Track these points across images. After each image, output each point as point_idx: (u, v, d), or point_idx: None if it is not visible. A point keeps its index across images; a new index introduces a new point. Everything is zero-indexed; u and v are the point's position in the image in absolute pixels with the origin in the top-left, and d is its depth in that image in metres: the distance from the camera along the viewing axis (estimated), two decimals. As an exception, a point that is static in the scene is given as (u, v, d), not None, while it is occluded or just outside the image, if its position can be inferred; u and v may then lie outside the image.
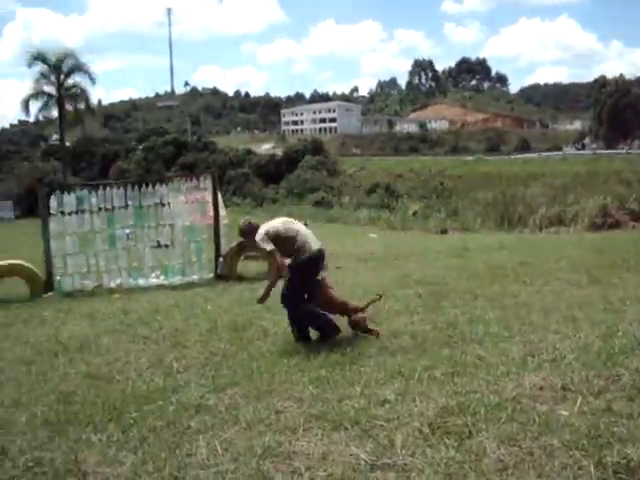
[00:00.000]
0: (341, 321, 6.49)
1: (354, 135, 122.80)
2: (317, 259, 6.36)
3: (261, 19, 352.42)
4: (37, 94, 50.54)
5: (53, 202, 11.72)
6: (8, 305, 10.62)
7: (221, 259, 12.24)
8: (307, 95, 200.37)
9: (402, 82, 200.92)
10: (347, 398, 4.57)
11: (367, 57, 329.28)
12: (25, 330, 8.39)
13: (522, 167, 62.80)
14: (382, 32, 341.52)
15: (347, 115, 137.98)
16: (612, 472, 3.24)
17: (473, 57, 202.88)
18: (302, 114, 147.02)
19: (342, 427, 4.06)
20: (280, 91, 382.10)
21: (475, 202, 33.21)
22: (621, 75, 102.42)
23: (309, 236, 6.41)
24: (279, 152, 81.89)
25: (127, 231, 12.35)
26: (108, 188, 12.08)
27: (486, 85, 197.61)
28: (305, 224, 7.04)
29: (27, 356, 6.81)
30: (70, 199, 11.81)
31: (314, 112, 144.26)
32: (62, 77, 50.05)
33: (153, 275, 12.30)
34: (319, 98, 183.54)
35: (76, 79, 50.84)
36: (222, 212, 12.80)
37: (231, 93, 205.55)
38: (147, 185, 12.23)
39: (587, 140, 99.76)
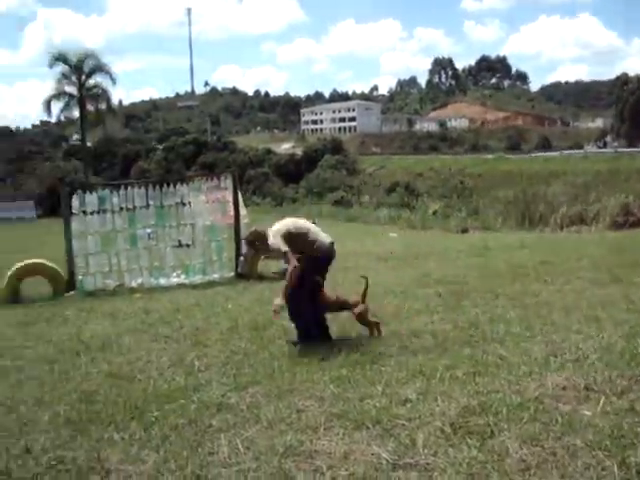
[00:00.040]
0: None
1: (374, 134, 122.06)
2: (330, 254, 6.41)
3: (281, 18, 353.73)
4: (59, 94, 51.11)
5: (75, 202, 11.77)
6: (31, 304, 10.75)
7: (242, 258, 12.27)
8: (327, 94, 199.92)
9: (422, 81, 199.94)
10: (368, 397, 4.56)
11: (387, 56, 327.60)
12: (48, 329, 8.46)
13: (543, 165, 61.99)
14: (402, 31, 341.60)
15: (367, 114, 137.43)
16: (635, 472, 3.21)
17: (493, 55, 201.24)
18: (322, 113, 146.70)
19: (364, 426, 4.05)
20: (300, 90, 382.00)
21: (496, 201, 32.86)
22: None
23: (319, 233, 6.48)
24: (299, 151, 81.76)
25: (148, 231, 12.39)
26: (129, 188, 12.14)
27: (506, 83, 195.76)
28: (313, 222, 7.05)
29: (49, 355, 6.86)
30: (92, 199, 11.88)
31: (334, 111, 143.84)
32: (83, 77, 50.51)
33: (174, 274, 12.34)
34: (339, 97, 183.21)
35: (97, 79, 51.41)
36: (242, 211, 12.84)
37: (251, 93, 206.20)
38: (168, 185, 12.28)
39: (609, 138, 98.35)
